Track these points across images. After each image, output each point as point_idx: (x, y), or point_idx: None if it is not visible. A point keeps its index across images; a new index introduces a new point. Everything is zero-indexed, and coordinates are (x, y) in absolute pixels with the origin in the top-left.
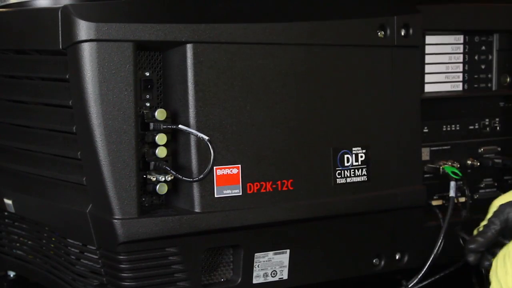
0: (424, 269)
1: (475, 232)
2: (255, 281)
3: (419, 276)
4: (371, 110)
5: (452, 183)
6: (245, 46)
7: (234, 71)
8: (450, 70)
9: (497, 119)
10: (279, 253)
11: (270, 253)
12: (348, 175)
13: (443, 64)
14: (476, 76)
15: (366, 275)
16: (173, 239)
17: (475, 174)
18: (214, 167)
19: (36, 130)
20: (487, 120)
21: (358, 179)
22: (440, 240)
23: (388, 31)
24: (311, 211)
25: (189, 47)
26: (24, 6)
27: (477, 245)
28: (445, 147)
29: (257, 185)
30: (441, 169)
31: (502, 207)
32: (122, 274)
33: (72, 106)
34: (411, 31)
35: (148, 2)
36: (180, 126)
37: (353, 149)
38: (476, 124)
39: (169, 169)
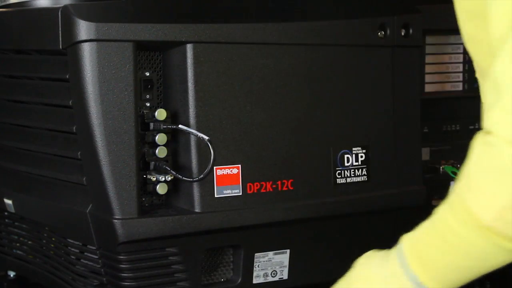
0: None
1: None
2: (255, 281)
3: None
4: (371, 110)
5: (452, 183)
6: (245, 46)
7: (234, 71)
8: (450, 70)
9: None
10: (279, 253)
11: (270, 253)
12: (348, 175)
13: (443, 64)
14: (476, 76)
15: None
16: (173, 239)
17: None
18: (214, 167)
19: (36, 130)
20: None
21: (358, 179)
22: None
23: (388, 31)
24: (311, 211)
25: (189, 47)
26: (24, 6)
27: None
28: (445, 147)
29: (257, 185)
30: (441, 169)
31: None
32: (122, 274)
33: (72, 106)
34: (411, 31)
35: (148, 2)
36: (180, 126)
37: (353, 149)
38: (476, 124)
39: (169, 169)
